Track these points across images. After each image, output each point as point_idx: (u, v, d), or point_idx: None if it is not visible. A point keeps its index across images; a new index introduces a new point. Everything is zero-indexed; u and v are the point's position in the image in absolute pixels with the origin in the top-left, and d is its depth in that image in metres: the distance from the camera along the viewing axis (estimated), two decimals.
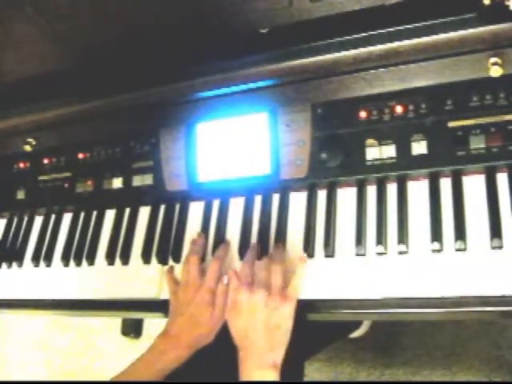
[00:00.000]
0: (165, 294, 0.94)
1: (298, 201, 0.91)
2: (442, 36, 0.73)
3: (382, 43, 0.76)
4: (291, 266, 0.84)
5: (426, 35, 0.73)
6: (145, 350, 0.89)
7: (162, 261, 0.97)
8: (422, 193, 0.82)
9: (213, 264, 0.89)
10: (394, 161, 0.84)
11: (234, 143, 0.97)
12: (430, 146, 0.82)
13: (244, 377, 0.77)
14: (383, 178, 0.86)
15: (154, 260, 0.98)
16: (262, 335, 0.77)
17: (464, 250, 0.76)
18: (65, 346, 1.94)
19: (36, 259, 1.09)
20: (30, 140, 1.08)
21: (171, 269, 0.95)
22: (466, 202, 0.79)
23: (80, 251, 1.05)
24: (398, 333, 1.46)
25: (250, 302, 0.80)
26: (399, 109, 0.85)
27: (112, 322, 1.83)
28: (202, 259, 0.93)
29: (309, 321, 0.86)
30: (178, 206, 1.01)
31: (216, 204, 0.98)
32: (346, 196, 0.88)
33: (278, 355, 0.78)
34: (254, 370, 0.76)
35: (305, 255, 0.85)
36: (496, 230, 0.75)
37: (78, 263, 1.04)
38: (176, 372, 0.86)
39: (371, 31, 0.76)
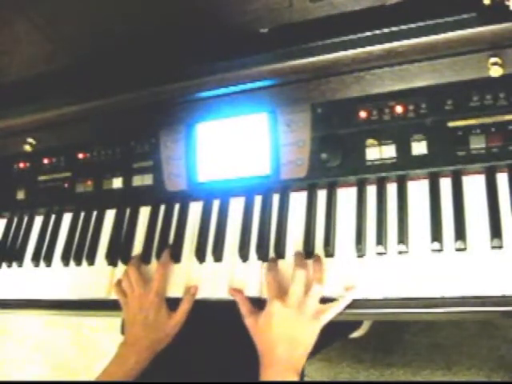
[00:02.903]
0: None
1: (297, 201, 0.91)
2: (441, 36, 0.73)
3: (381, 43, 0.76)
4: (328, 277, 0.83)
5: (426, 35, 0.73)
6: None
7: None
8: (422, 193, 0.82)
9: (159, 270, 0.93)
10: (394, 161, 0.84)
11: (234, 143, 0.97)
12: (429, 146, 0.82)
13: (265, 379, 0.79)
14: (383, 178, 0.86)
15: (154, 260, 0.98)
16: (287, 347, 0.79)
17: (464, 249, 0.76)
18: (65, 346, 1.94)
19: (36, 259, 1.09)
20: (30, 140, 1.08)
21: (119, 281, 0.97)
22: (466, 202, 0.79)
23: (80, 251, 1.05)
24: (397, 333, 1.45)
25: (283, 316, 0.80)
26: (399, 109, 0.85)
27: (112, 322, 1.83)
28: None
29: None
30: (177, 206, 1.01)
31: (216, 204, 0.98)
32: (346, 196, 0.88)
33: (300, 362, 0.80)
34: (275, 376, 0.78)
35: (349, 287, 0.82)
36: (496, 230, 0.75)
37: (78, 263, 1.04)
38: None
39: (371, 31, 0.76)
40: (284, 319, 0.80)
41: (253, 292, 0.87)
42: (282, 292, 0.82)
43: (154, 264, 0.98)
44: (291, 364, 0.78)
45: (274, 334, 0.79)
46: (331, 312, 0.80)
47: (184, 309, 0.91)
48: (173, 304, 0.92)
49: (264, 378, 0.79)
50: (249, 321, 0.84)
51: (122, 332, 1.04)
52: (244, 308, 0.85)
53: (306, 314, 0.80)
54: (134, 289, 0.93)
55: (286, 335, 0.79)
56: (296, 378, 0.77)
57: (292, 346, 0.79)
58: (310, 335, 0.80)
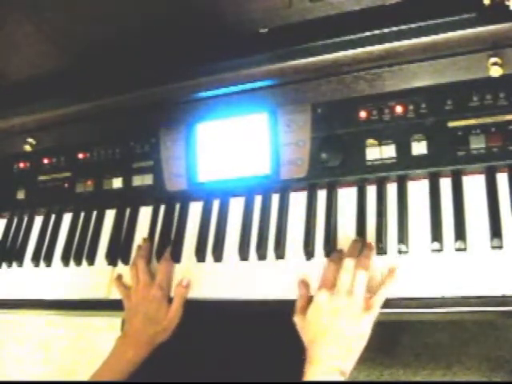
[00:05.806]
0: None
1: (298, 201, 0.91)
2: (441, 36, 0.73)
3: (381, 43, 0.76)
4: (374, 272, 0.79)
5: (426, 35, 0.74)
6: None
7: None
8: (422, 193, 0.82)
9: (163, 264, 0.93)
10: (394, 161, 0.84)
11: (234, 143, 0.97)
12: (429, 146, 0.82)
13: (307, 378, 0.73)
14: (383, 178, 0.86)
15: (154, 260, 0.98)
16: (337, 342, 0.73)
17: (464, 249, 0.76)
18: (65, 346, 1.94)
19: (36, 259, 1.09)
20: (30, 140, 1.09)
21: (120, 276, 0.98)
22: (466, 202, 0.79)
23: (80, 251, 1.05)
24: (398, 333, 1.45)
25: (332, 306, 0.75)
26: (399, 109, 0.85)
27: (112, 322, 1.83)
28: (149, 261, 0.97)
29: None
30: (178, 206, 1.01)
31: (216, 204, 0.98)
32: (346, 196, 0.88)
33: (349, 364, 0.73)
34: (320, 375, 0.72)
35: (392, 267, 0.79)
36: (496, 230, 0.75)
37: (78, 263, 1.04)
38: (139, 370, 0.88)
39: (371, 31, 0.76)
40: (333, 310, 0.74)
41: (253, 291, 0.87)
42: (330, 284, 0.77)
43: (153, 264, 0.98)
44: (337, 361, 0.71)
45: (322, 325, 0.73)
46: (381, 297, 0.75)
47: (177, 302, 0.90)
48: None
49: (306, 376, 0.72)
50: (298, 317, 0.78)
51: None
52: (300, 303, 0.80)
53: (356, 304, 0.73)
54: (139, 280, 0.93)
55: (336, 327, 0.73)
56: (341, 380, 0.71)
57: (341, 340, 0.72)
58: (363, 328, 0.73)
